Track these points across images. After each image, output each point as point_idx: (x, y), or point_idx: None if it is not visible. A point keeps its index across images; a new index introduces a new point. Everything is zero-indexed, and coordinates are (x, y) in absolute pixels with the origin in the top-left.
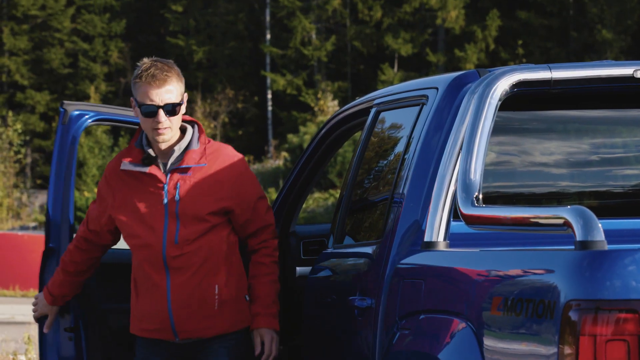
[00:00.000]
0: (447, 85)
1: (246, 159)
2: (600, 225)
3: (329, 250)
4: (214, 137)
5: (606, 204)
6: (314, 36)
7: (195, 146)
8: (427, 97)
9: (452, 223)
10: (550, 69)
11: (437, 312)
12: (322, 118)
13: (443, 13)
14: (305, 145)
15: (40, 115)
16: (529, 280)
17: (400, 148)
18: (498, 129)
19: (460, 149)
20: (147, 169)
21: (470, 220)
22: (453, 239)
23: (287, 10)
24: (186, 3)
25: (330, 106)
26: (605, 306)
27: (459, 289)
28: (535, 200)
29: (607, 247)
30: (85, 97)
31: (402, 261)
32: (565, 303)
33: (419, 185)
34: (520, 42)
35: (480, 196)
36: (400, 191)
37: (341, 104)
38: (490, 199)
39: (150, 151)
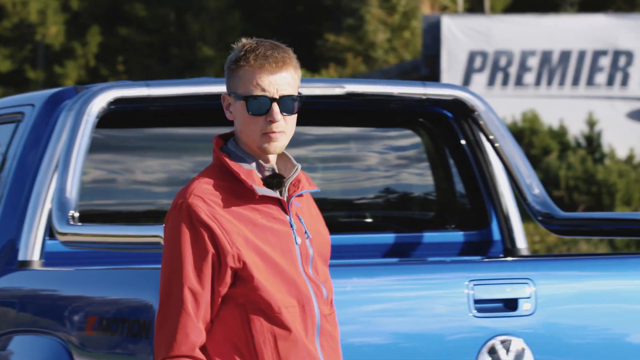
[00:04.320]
0: (43, 102)
1: None
2: None
3: None
4: None
5: None
6: None
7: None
8: (23, 114)
9: (48, 242)
10: (148, 85)
11: (32, 333)
12: None
13: (43, 29)
14: None
15: None
16: (125, 300)
17: None
18: (98, 147)
19: (57, 166)
20: (277, 194)
21: (65, 238)
22: (49, 257)
23: None
24: None
25: None
26: None
27: (53, 308)
28: (134, 218)
29: None
30: None
31: None
32: None
33: (14, 203)
34: (120, 58)
35: (77, 214)
36: None
37: None
38: (88, 217)
39: (275, 165)
